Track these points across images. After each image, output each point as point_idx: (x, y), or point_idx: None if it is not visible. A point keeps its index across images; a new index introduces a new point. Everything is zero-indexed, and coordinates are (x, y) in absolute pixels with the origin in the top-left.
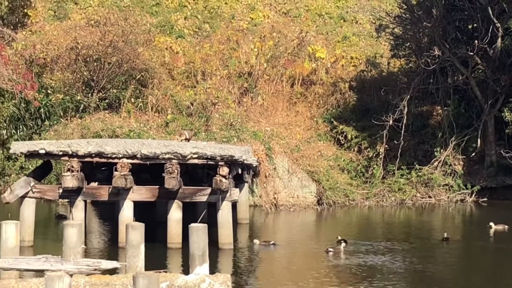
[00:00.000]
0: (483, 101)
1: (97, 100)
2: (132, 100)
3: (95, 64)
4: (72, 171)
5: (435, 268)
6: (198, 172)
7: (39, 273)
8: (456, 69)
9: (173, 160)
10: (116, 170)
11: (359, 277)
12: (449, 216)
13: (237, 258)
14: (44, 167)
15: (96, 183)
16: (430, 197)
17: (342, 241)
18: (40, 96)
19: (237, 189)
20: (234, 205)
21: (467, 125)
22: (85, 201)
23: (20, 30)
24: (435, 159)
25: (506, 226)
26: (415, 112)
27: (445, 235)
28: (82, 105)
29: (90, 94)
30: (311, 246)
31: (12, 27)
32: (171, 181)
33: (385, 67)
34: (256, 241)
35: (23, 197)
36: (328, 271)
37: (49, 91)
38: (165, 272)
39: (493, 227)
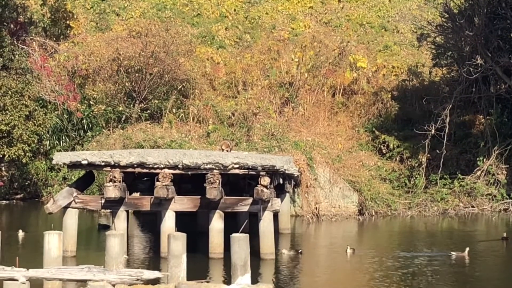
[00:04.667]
0: None
1: (139, 110)
2: (174, 110)
3: (137, 75)
4: (114, 182)
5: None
6: (239, 182)
7: (82, 283)
8: (499, 77)
9: (215, 170)
10: (157, 180)
11: (403, 286)
12: (492, 225)
13: (279, 268)
14: (86, 178)
15: (138, 193)
16: (473, 206)
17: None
18: (82, 107)
19: (279, 199)
20: (275, 215)
21: (510, 134)
22: (127, 211)
23: (62, 41)
24: (477, 168)
25: None
26: (457, 121)
27: (504, 234)
28: (124, 116)
29: (132, 105)
30: (353, 256)
31: (54, 38)
32: (213, 191)
33: (427, 76)
34: (284, 250)
35: (66, 207)
36: (369, 280)
37: (91, 102)
38: (207, 282)
39: None
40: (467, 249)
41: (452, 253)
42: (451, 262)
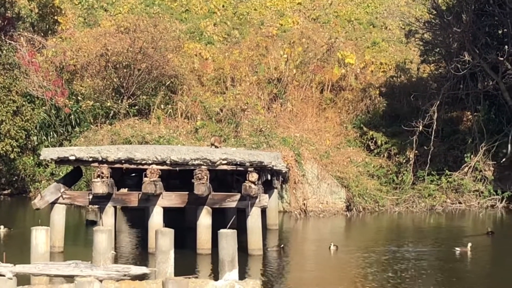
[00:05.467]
0: None
1: (127, 106)
2: (162, 106)
3: (125, 70)
4: (102, 177)
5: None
6: (227, 178)
7: (69, 278)
8: (486, 74)
9: (203, 166)
10: (145, 176)
11: (389, 283)
12: (480, 222)
13: (267, 264)
14: (74, 173)
15: (126, 189)
16: (460, 203)
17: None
18: (70, 102)
19: (267, 195)
20: (263, 211)
21: (498, 131)
22: (115, 207)
23: (50, 37)
24: (465, 164)
25: None
26: (445, 118)
27: (489, 229)
28: (112, 112)
29: (120, 101)
30: (341, 252)
31: (42, 34)
32: (201, 187)
33: (415, 73)
34: (269, 246)
35: (53, 203)
36: (357, 278)
37: (79, 98)
38: (195, 278)
39: None
40: (470, 244)
41: (457, 248)
42: (439, 257)
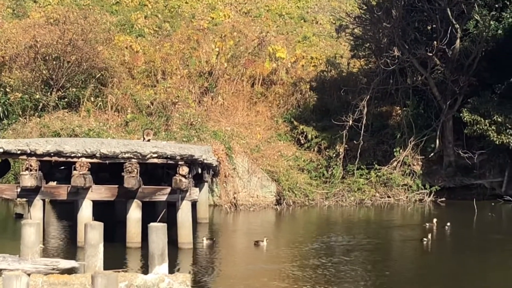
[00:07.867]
0: (442, 102)
1: (56, 99)
2: (92, 99)
3: (54, 62)
4: (31, 170)
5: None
6: (157, 172)
7: None
8: (415, 69)
9: (133, 160)
10: (75, 169)
11: (326, 276)
12: (408, 216)
13: (197, 257)
14: (2, 166)
15: (55, 182)
16: (389, 197)
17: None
18: None
19: (197, 189)
20: (193, 205)
21: (426, 126)
22: (44, 200)
23: None
24: (394, 159)
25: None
26: (375, 113)
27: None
28: (41, 104)
29: (49, 93)
30: (271, 245)
31: None
32: (131, 180)
33: (345, 68)
34: (204, 239)
35: None
36: (287, 271)
37: (7, 90)
38: (124, 271)
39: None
40: (429, 235)
41: (424, 239)
42: (368, 249)
